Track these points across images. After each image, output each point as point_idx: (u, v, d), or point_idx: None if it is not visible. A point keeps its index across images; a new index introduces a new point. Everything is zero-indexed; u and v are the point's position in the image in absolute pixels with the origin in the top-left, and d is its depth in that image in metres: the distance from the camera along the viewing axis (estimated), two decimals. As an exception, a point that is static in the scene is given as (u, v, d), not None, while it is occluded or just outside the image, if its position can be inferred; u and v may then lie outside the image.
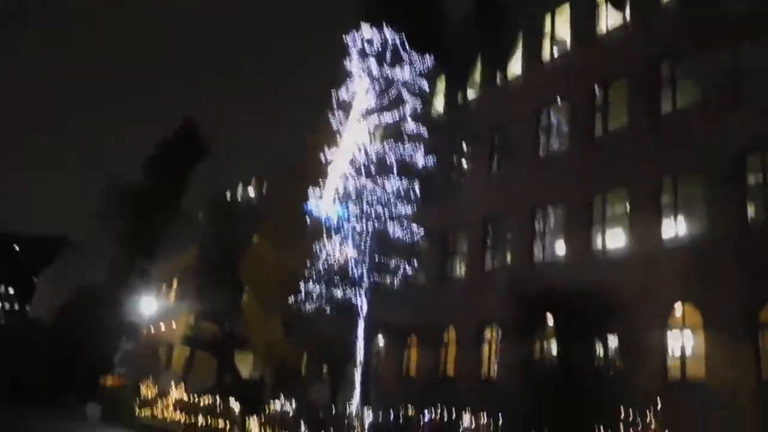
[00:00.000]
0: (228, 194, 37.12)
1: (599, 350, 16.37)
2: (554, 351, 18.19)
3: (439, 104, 24.66)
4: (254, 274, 27.07)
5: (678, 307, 15.54)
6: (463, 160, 23.19)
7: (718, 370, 14.20)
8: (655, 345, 15.33)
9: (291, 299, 21.72)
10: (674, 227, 16.22)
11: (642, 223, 16.67)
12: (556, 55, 21.01)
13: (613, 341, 16.35)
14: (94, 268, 45.06)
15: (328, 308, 20.90)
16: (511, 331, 19.19)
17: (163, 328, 38.70)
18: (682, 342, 15.29)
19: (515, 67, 22.34)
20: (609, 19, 19.47)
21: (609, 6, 19.53)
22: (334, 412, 15.74)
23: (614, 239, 17.76)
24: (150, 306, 34.43)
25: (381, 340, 24.22)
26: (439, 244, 22.69)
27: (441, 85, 24.37)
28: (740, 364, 13.88)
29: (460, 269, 22.52)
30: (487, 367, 20.26)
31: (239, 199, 36.94)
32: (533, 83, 21.18)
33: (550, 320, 18.22)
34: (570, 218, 18.64)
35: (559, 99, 20.15)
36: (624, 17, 18.92)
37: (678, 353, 15.30)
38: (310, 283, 21.13)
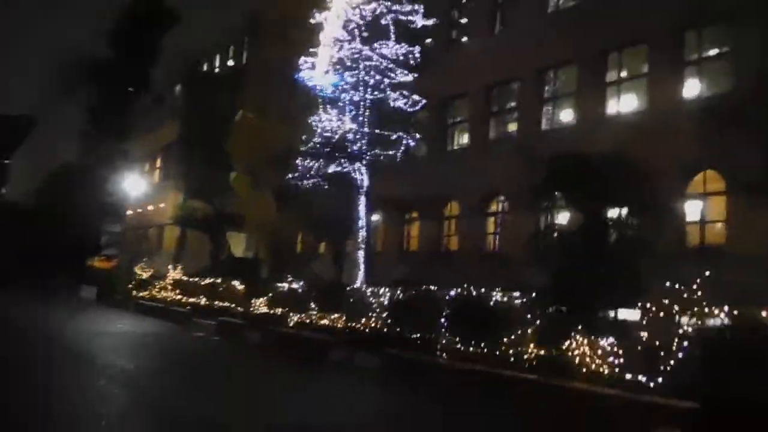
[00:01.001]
0: (205, 63, 34.85)
1: (615, 219, 15.91)
2: (565, 222, 17.77)
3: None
4: (242, 148, 25.86)
5: (698, 171, 14.94)
6: (464, 21, 21.43)
7: (740, 236, 13.88)
8: (676, 211, 14.86)
9: (286, 175, 20.88)
10: (697, 86, 15.27)
11: (661, 82, 15.63)
12: None
13: (630, 209, 15.84)
14: (67, 149, 43.31)
15: (326, 184, 20.11)
16: (519, 203, 18.63)
17: (151, 209, 37.86)
18: (703, 207, 14.86)
19: None
20: None
21: None
22: (348, 288, 15.31)
23: (630, 101, 16.81)
24: (136, 185, 33.30)
25: (378, 216, 23.69)
26: (439, 113, 21.54)
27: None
28: (763, 228, 13.52)
29: (462, 139, 21.56)
30: (492, 241, 19.90)
31: (217, 68, 34.75)
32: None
33: (562, 189, 17.67)
34: (582, 80, 17.52)
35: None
36: None
37: (698, 218, 14.92)
38: (307, 159, 20.18)
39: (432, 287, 12.37)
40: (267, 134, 24.53)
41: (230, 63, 33.90)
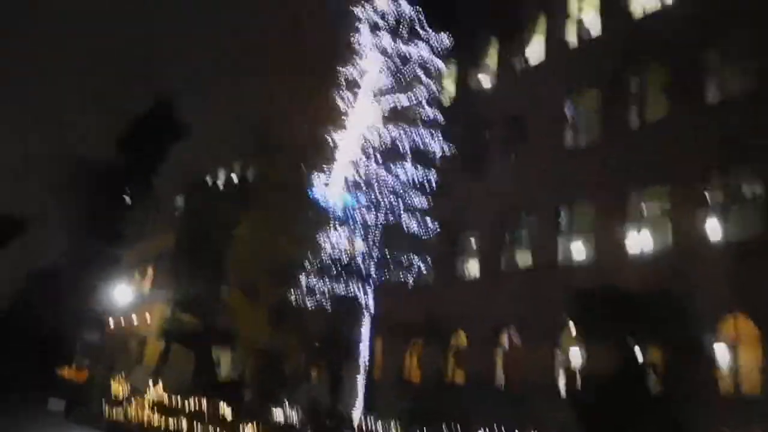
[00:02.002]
0: (210, 174, 34.77)
1: (637, 361, 15.11)
2: (581, 359, 16.97)
3: (453, 88, 23.05)
4: (242, 261, 25.17)
5: (727, 315, 14.35)
6: (481, 150, 21.58)
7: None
8: (703, 357, 14.13)
9: (289, 293, 20.17)
10: (722, 228, 15.04)
11: (685, 224, 15.42)
12: (583, 39, 19.61)
13: (653, 351, 15.08)
14: (58, 250, 42.20)
15: (329, 304, 19.31)
16: (533, 337, 17.88)
17: (135, 319, 36.25)
18: (734, 353, 14.13)
19: (536, 51, 20.89)
20: (643, 1, 18.21)
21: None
22: (357, 425, 14.04)
23: (651, 240, 16.49)
24: (123, 293, 32.01)
25: (379, 340, 22.60)
26: (450, 240, 21.13)
27: (455, 68, 22.74)
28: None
29: (473, 267, 21.02)
30: (503, 375, 18.85)
31: (223, 179, 34.66)
32: (557, 69, 19.79)
33: (577, 326, 16.98)
34: (601, 216, 17.30)
35: (587, 86, 18.78)
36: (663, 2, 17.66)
37: (729, 365, 14.14)
38: (312, 277, 19.53)
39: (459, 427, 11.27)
40: (270, 249, 23.94)
41: (234, 176, 33.91)
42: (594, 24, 19.37)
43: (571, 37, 19.88)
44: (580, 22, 19.74)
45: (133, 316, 36.12)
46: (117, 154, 39.11)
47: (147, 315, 34.13)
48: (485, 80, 22.57)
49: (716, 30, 15.85)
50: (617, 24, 18.38)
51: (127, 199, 37.31)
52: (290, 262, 21.76)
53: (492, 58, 22.35)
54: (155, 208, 36.75)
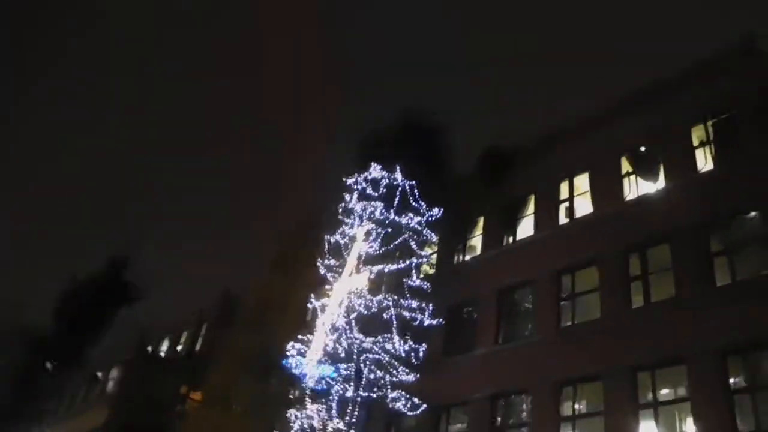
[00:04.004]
0: (153, 344, 31.71)
1: None
2: None
3: (441, 259, 22.28)
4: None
5: None
6: (469, 325, 20.28)
7: None
8: None
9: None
10: (744, 418, 13.74)
11: (706, 407, 14.06)
12: (574, 219, 19.54)
13: None
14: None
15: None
16: None
17: None
18: None
19: (527, 227, 20.69)
20: (638, 188, 18.49)
21: (637, 177, 18.65)
22: None
23: (663, 428, 14.98)
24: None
25: None
26: (434, 420, 19.00)
27: (443, 239, 22.19)
28: None
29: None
30: None
31: (165, 351, 31.59)
32: (548, 246, 19.40)
33: None
34: (609, 399, 15.77)
35: (582, 264, 18.25)
36: (657, 186, 17.95)
37: None
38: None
39: None
40: (224, 426, 21.04)
41: (180, 347, 31.13)
42: (585, 204, 19.46)
43: (562, 216, 19.85)
44: (570, 202, 19.84)
45: None
46: (55, 320, 35.55)
47: None
48: (474, 253, 22.03)
49: (715, 217, 15.90)
50: (613, 207, 18.41)
51: (59, 367, 33.25)
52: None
53: (480, 232, 22.01)
54: (89, 380, 32.88)
